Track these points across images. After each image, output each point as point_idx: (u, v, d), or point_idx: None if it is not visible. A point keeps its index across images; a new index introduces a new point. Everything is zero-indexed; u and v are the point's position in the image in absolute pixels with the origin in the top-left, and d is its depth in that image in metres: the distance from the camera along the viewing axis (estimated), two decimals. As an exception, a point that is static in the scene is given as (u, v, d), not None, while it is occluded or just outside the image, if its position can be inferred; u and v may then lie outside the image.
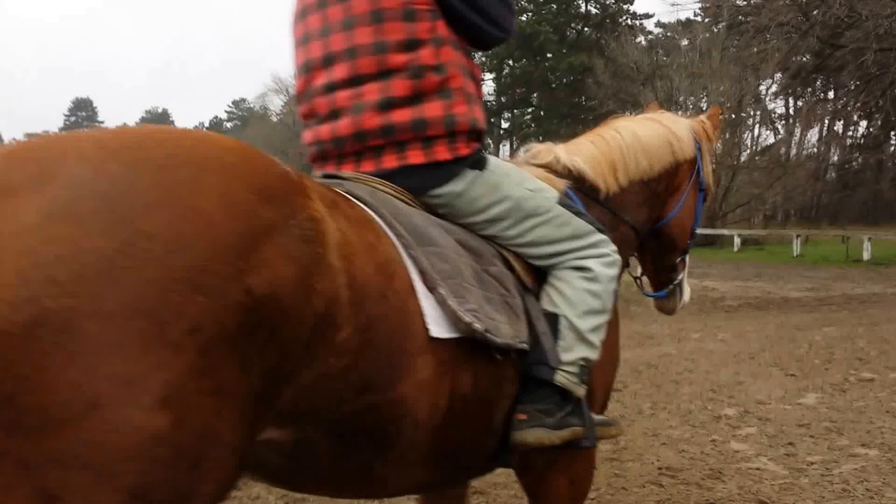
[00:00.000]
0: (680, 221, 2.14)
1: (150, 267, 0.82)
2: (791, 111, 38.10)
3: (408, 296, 1.24)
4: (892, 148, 37.29)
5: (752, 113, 30.47)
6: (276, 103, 50.71)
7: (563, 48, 41.83)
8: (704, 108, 17.88)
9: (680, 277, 2.24)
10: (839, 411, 4.50)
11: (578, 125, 40.84)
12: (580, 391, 1.51)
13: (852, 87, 25.73)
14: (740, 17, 26.30)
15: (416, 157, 1.47)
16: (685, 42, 32.28)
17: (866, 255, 18.62)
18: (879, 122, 22.70)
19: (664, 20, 47.10)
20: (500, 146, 46.97)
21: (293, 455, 1.15)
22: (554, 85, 42.84)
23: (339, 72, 1.47)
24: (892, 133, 25.18)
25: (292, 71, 1.63)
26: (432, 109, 1.46)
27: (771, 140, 36.26)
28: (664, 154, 2.04)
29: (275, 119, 50.85)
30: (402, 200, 1.46)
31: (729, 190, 26.44)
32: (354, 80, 1.46)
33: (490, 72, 43.81)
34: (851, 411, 4.50)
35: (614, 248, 1.64)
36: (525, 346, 1.42)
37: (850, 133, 37.62)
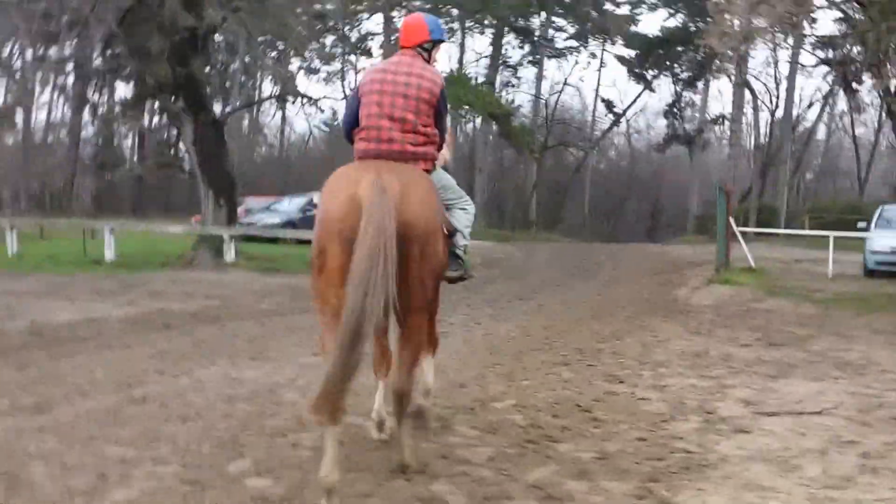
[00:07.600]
0: None
1: (439, 208, 3.59)
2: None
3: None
4: (155, 117, 33.19)
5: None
6: None
7: None
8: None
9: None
10: None
11: None
12: (465, 257, 4.07)
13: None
14: None
15: (421, 166, 3.66)
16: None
17: (110, 254, 14.85)
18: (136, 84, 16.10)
19: None
20: None
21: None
22: None
23: (395, 125, 3.61)
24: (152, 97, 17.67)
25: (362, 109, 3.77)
26: (429, 149, 3.74)
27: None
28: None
29: None
30: None
31: None
32: (403, 130, 3.61)
33: None
34: None
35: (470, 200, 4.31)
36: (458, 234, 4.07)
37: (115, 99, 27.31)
